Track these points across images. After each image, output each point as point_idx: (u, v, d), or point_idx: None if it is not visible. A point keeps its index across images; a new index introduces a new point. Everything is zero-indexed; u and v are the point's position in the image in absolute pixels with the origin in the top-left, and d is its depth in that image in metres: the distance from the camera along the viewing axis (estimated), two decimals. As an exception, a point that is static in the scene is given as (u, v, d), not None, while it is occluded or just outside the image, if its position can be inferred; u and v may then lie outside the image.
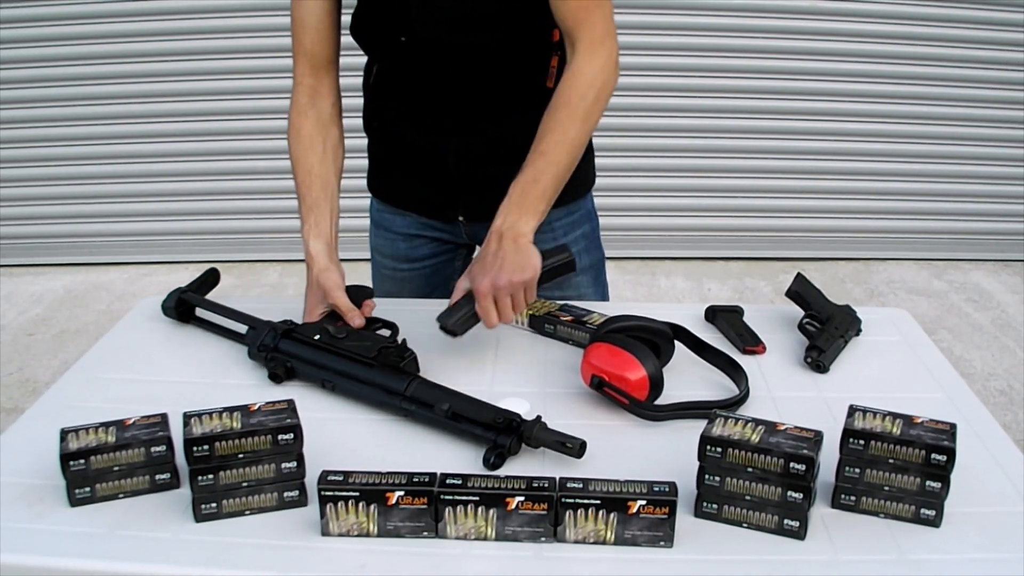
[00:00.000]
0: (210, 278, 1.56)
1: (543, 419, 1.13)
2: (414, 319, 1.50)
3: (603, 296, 1.73)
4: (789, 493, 0.97)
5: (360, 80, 1.61)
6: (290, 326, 1.35)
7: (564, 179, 1.38)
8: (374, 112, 1.60)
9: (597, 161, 1.68)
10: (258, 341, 1.35)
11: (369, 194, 1.72)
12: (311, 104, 1.51)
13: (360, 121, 1.63)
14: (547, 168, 1.35)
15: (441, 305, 1.49)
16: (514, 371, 1.36)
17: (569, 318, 1.44)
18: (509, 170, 1.49)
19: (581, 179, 1.65)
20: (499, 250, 1.30)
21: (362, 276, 1.59)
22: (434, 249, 1.69)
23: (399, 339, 1.32)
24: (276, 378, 1.31)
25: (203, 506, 1.01)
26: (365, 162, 1.67)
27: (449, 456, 1.13)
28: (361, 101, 1.63)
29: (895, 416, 1.02)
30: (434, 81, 1.48)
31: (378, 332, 1.36)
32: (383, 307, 1.53)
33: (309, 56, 1.50)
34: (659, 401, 1.22)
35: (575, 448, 1.09)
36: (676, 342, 1.34)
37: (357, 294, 1.43)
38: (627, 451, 1.14)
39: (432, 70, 1.46)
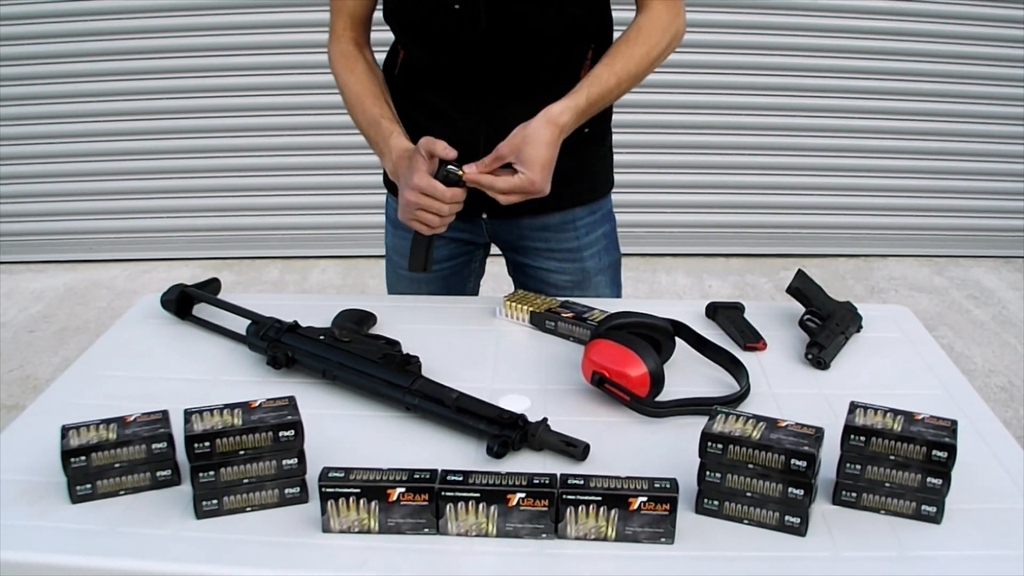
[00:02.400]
0: (211, 285, 1.56)
1: (548, 421, 1.13)
2: (426, 317, 1.50)
3: (618, 294, 1.73)
4: (790, 489, 0.97)
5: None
6: (295, 324, 1.36)
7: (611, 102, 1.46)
8: (396, 105, 1.59)
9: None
10: (261, 333, 1.35)
11: (384, 191, 1.70)
12: (358, 51, 1.57)
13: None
14: (613, 91, 1.42)
15: (458, 304, 1.48)
16: (515, 368, 1.36)
17: (570, 314, 1.44)
18: None
19: (603, 179, 1.66)
20: (554, 155, 1.36)
21: (377, 275, 1.60)
22: (453, 251, 1.68)
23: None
24: (276, 363, 1.31)
25: (204, 503, 1.01)
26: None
27: (450, 452, 1.13)
28: None
29: (896, 412, 1.02)
30: (470, 67, 1.47)
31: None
32: (396, 304, 1.53)
33: (350, 14, 1.55)
34: (660, 398, 1.22)
35: (579, 451, 1.09)
36: (677, 339, 1.34)
37: (359, 317, 1.43)
38: (628, 448, 1.14)
39: (471, 53, 1.45)
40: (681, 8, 1.48)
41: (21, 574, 0.96)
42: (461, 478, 0.97)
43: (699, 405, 1.21)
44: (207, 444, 0.99)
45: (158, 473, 1.06)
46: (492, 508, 0.97)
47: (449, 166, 1.34)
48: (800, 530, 0.99)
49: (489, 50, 1.44)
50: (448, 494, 0.96)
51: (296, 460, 1.03)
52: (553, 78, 1.48)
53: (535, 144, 1.33)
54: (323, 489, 0.97)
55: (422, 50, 1.52)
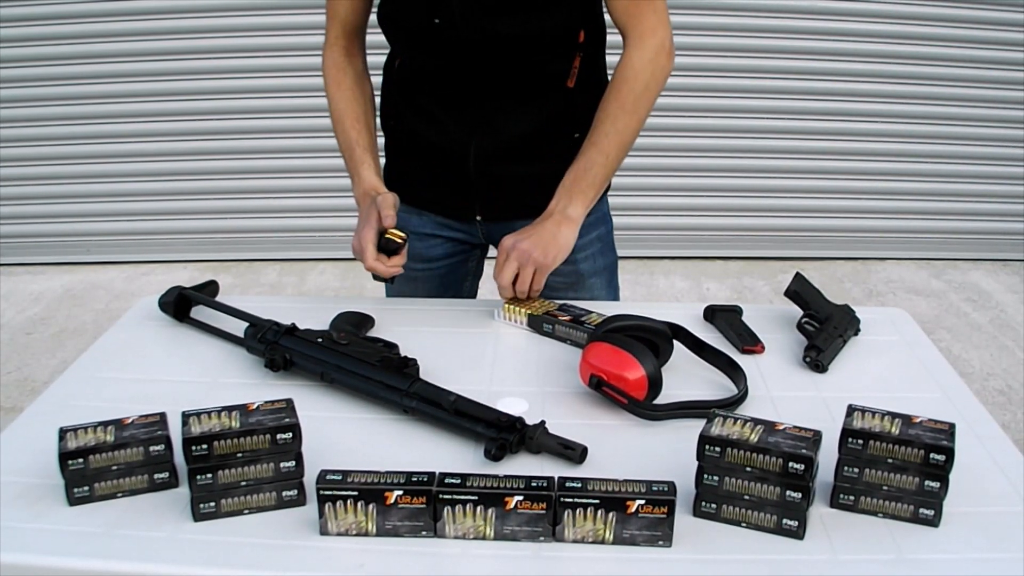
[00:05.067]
0: (209, 288, 1.56)
1: (545, 424, 1.13)
2: (424, 320, 1.50)
3: (615, 297, 1.73)
4: (788, 493, 0.97)
5: (378, 80, 1.62)
6: (293, 326, 1.36)
7: (614, 167, 1.48)
8: (393, 109, 1.61)
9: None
10: (259, 335, 1.35)
11: None
12: (348, 62, 1.58)
13: (376, 120, 1.64)
14: (597, 157, 1.45)
15: (456, 307, 1.49)
16: (513, 370, 1.36)
17: (568, 317, 1.44)
18: (528, 169, 1.50)
19: None
20: (541, 225, 1.43)
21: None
22: (449, 249, 1.69)
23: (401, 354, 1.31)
24: (274, 365, 1.31)
25: (201, 505, 1.01)
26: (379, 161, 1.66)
27: (448, 455, 1.13)
28: (377, 101, 1.64)
29: (894, 416, 1.02)
30: (459, 73, 1.48)
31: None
32: (395, 306, 1.53)
33: (342, 22, 1.56)
34: (658, 401, 1.22)
35: (577, 454, 1.09)
36: (675, 342, 1.34)
37: (357, 320, 1.43)
38: (626, 451, 1.14)
39: (459, 60, 1.47)
40: (657, 41, 1.45)
41: None
42: (459, 481, 0.97)
43: (697, 408, 1.20)
44: (205, 446, 0.98)
45: (156, 475, 1.05)
46: (490, 511, 0.97)
47: (387, 235, 1.39)
48: (798, 533, 0.99)
49: (473, 59, 1.46)
50: (446, 497, 0.96)
51: (294, 463, 1.02)
52: (541, 86, 1.50)
53: (533, 227, 1.43)
54: (321, 492, 0.97)
55: (413, 56, 1.54)
